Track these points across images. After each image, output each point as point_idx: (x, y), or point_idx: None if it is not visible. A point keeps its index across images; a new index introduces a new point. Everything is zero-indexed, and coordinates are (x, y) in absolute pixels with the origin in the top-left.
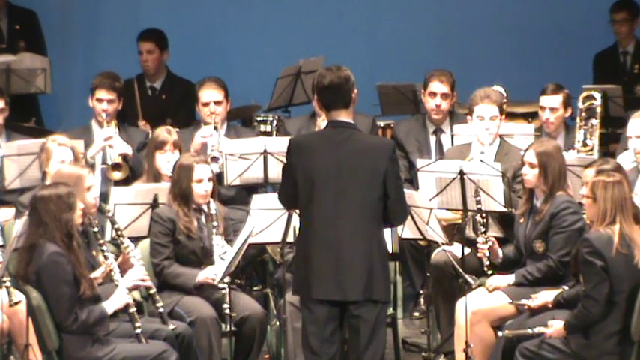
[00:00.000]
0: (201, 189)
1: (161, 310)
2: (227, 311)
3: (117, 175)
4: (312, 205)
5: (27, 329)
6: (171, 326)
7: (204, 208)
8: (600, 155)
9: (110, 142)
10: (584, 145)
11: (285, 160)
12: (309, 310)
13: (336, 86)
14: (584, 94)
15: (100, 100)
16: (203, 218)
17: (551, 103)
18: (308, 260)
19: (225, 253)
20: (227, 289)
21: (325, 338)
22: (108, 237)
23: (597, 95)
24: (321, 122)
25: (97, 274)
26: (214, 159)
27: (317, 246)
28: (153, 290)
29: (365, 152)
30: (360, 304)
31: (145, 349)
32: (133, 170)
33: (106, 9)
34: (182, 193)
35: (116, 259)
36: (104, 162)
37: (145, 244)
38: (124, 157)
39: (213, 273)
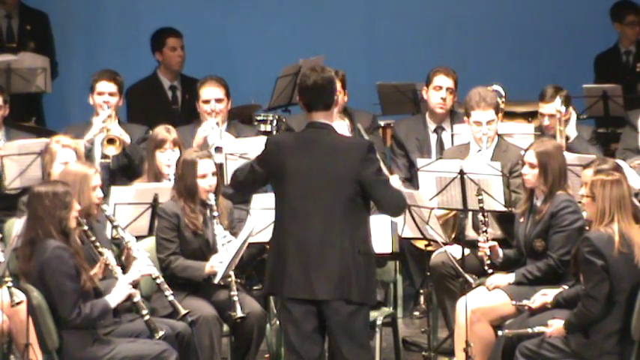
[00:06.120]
0: (206, 184)
1: (171, 298)
2: (235, 298)
3: (110, 151)
4: (284, 204)
5: (27, 329)
6: (183, 311)
7: (208, 201)
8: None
9: (107, 124)
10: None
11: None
12: (286, 310)
13: (318, 88)
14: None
15: (100, 94)
16: (208, 213)
17: (550, 110)
18: (280, 259)
19: (229, 242)
20: (233, 278)
21: (305, 337)
22: (109, 235)
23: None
24: None
25: (94, 270)
26: (218, 149)
27: (288, 244)
28: (160, 280)
29: (336, 152)
30: (333, 305)
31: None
32: (130, 158)
33: (107, 9)
34: (188, 190)
35: (119, 256)
36: (103, 156)
37: (146, 243)
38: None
39: (218, 261)
